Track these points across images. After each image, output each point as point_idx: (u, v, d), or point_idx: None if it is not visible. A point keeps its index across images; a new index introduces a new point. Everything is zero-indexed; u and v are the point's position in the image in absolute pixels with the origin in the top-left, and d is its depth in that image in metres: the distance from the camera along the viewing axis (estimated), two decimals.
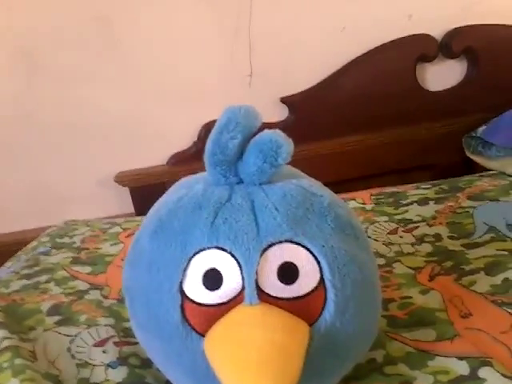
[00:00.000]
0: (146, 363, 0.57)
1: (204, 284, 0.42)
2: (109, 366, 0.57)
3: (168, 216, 0.46)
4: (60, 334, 0.64)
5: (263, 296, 0.41)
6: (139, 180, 1.22)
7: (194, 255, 0.42)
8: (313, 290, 0.42)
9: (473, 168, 1.15)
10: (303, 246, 0.42)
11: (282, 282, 0.41)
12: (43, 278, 0.82)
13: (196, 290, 0.42)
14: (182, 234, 0.43)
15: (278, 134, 0.44)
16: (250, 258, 0.41)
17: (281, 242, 0.42)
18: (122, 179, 1.23)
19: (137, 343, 0.60)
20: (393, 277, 0.69)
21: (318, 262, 0.42)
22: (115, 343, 0.61)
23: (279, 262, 0.41)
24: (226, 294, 0.41)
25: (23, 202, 1.34)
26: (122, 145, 1.26)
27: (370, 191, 1.02)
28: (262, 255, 0.41)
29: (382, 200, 0.97)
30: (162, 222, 0.46)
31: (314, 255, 0.42)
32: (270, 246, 0.42)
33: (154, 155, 1.26)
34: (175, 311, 0.42)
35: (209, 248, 0.42)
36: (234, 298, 0.41)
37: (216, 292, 0.41)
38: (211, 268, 0.42)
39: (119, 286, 0.76)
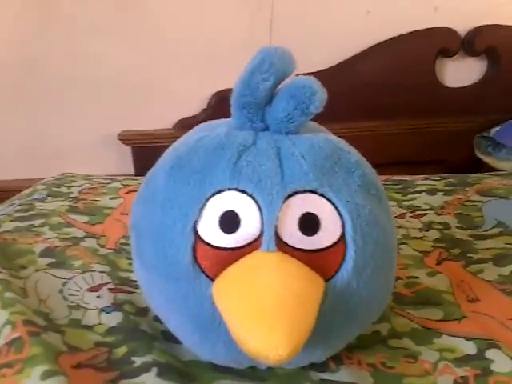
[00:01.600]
0: (142, 311, 0.55)
1: (220, 226, 0.39)
2: (102, 310, 0.55)
3: (188, 154, 0.43)
4: (52, 275, 0.62)
5: (281, 245, 0.39)
6: (143, 141, 1.19)
7: (213, 195, 0.40)
8: (332, 245, 0.40)
9: (482, 168, 1.14)
10: (327, 199, 0.40)
11: (302, 232, 0.39)
12: (37, 222, 0.79)
13: (211, 231, 0.39)
14: (201, 173, 0.41)
15: (313, 81, 0.42)
16: (272, 204, 0.39)
17: (305, 191, 0.40)
18: (125, 138, 1.20)
19: (133, 292, 0.58)
20: (399, 257, 0.67)
21: (341, 217, 0.40)
22: (110, 289, 0.59)
23: (302, 211, 0.39)
24: (243, 238, 0.39)
25: (21, 152, 1.31)
26: (129, 104, 1.24)
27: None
28: (284, 202, 0.39)
29: (390, 186, 0.95)
30: (181, 159, 0.43)
31: (337, 209, 0.40)
32: (294, 194, 0.40)
33: (161, 118, 1.24)
34: (186, 252, 0.40)
35: (229, 189, 0.40)
36: (250, 243, 0.39)
37: (232, 235, 0.39)
38: (229, 210, 0.39)
39: (117, 237, 0.74)
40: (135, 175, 1.21)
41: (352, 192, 0.42)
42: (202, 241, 0.40)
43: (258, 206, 0.39)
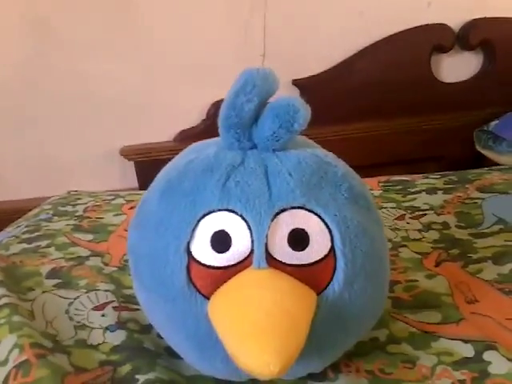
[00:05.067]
0: (146, 329, 0.56)
1: (212, 246, 0.41)
2: (107, 329, 0.56)
3: (178, 177, 0.45)
4: (59, 296, 0.64)
5: (272, 261, 0.40)
6: (145, 154, 1.21)
7: (204, 216, 0.41)
8: (322, 259, 0.41)
9: (482, 162, 1.14)
10: (315, 214, 0.41)
11: (291, 248, 0.40)
12: (43, 242, 0.81)
13: (203, 251, 0.41)
14: (191, 195, 0.42)
15: (296, 99, 0.43)
16: (261, 222, 0.40)
17: (293, 207, 0.41)
18: (127, 153, 1.22)
19: (137, 309, 0.60)
20: (399, 260, 0.68)
21: (330, 231, 0.41)
22: (114, 308, 0.60)
23: (290, 227, 0.40)
24: (234, 256, 0.40)
25: (26, 172, 1.33)
26: (130, 119, 1.25)
27: (377, 178, 1.01)
28: (273, 220, 0.40)
29: (390, 187, 0.96)
30: (172, 183, 0.45)
31: (325, 223, 0.41)
32: (282, 211, 0.41)
33: (161, 131, 1.25)
34: (181, 272, 0.41)
35: (219, 210, 0.41)
36: (242, 261, 0.40)
37: (224, 254, 0.40)
38: (220, 230, 0.41)
39: (121, 254, 0.75)
40: (139, 189, 1.23)
41: (339, 205, 0.43)
42: (196, 261, 0.41)
43: (248, 224, 0.40)
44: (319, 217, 0.41)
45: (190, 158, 0.45)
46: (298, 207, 0.41)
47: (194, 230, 0.41)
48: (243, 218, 0.40)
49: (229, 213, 0.41)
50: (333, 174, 0.44)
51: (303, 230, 0.41)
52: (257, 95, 0.43)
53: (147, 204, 0.46)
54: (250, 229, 0.40)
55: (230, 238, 0.40)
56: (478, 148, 1.17)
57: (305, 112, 0.43)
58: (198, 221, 0.41)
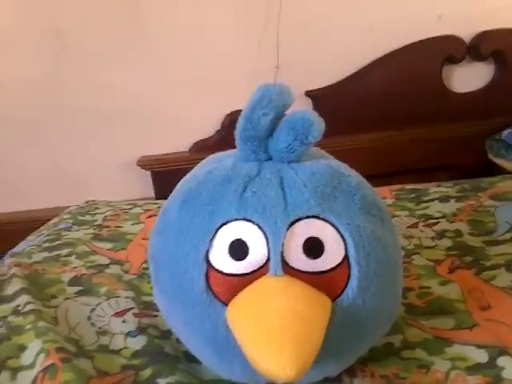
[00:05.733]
0: (165, 334, 0.58)
1: (230, 254, 0.42)
2: (128, 334, 0.58)
3: (197, 187, 0.47)
4: (80, 303, 0.66)
5: (287, 269, 0.41)
6: (162, 165, 1.24)
7: (222, 226, 0.43)
8: (337, 266, 0.42)
9: (494, 171, 1.14)
10: (330, 223, 0.43)
11: (307, 256, 0.42)
12: (64, 251, 0.83)
13: (221, 259, 0.42)
14: (210, 205, 0.44)
15: (311, 113, 0.45)
16: (277, 231, 0.42)
17: (308, 217, 0.43)
18: (144, 163, 1.25)
19: (156, 316, 0.61)
20: (412, 267, 0.69)
21: (344, 240, 0.43)
22: (135, 314, 0.62)
23: (305, 236, 0.42)
24: (251, 264, 0.42)
25: (43, 183, 1.36)
26: (146, 130, 1.28)
27: (390, 187, 1.02)
28: (288, 229, 0.42)
29: (403, 195, 0.97)
30: (191, 193, 0.47)
31: (339, 232, 0.43)
32: (297, 220, 0.42)
33: (176, 142, 1.28)
34: (200, 279, 0.43)
35: (236, 219, 0.43)
36: (259, 269, 0.42)
37: (241, 262, 0.42)
38: (237, 239, 0.42)
39: (139, 262, 0.77)
40: (155, 198, 1.26)
41: (353, 214, 0.44)
42: (214, 269, 0.43)
43: (264, 233, 0.42)
44: (333, 226, 0.43)
45: (210, 169, 0.47)
46: (313, 216, 0.43)
47: (212, 239, 0.43)
48: (260, 227, 0.42)
49: (246, 222, 0.43)
50: (346, 184, 0.46)
51: (318, 238, 0.42)
52: (273, 109, 0.45)
53: (168, 213, 0.48)
54: (266, 237, 0.42)
55: (247, 246, 0.42)
56: (491, 157, 1.17)
57: (319, 125, 0.45)
58: (217, 230, 0.43)
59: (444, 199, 0.92)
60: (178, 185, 0.51)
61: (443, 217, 0.85)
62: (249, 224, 0.43)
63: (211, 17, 1.22)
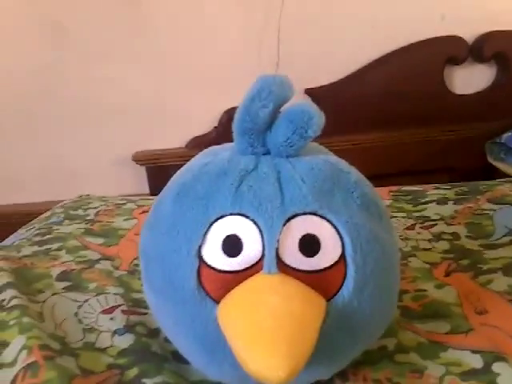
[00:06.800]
0: (153, 332, 0.56)
1: (223, 250, 0.41)
2: (115, 332, 0.56)
3: (192, 180, 0.45)
4: (68, 299, 0.64)
5: (282, 266, 0.40)
6: (157, 160, 1.22)
7: (216, 220, 0.41)
8: (333, 265, 0.41)
9: (493, 174, 1.14)
10: (327, 220, 0.41)
11: (302, 253, 0.40)
12: (54, 245, 0.82)
13: (214, 255, 0.41)
14: (205, 199, 0.43)
15: (310, 106, 0.44)
16: (273, 227, 0.40)
17: (305, 213, 0.41)
18: (139, 158, 1.23)
19: (145, 313, 0.60)
20: (408, 270, 0.68)
21: (341, 238, 0.41)
22: (123, 311, 0.60)
23: (302, 233, 0.41)
24: (245, 261, 0.40)
25: (38, 176, 1.35)
26: (142, 125, 1.27)
27: (388, 188, 1.01)
28: (284, 225, 0.40)
29: (401, 197, 0.96)
30: (186, 186, 0.45)
31: (337, 230, 0.41)
32: (294, 216, 0.41)
33: (173, 137, 1.26)
34: (191, 276, 0.41)
35: (231, 214, 0.41)
36: (253, 266, 0.40)
37: (235, 259, 0.40)
38: (232, 234, 0.41)
39: (131, 258, 0.75)
40: (150, 194, 1.24)
41: (351, 212, 0.43)
42: (207, 265, 0.41)
43: (259, 229, 0.40)
44: (331, 223, 0.41)
45: (205, 162, 0.46)
46: (310, 213, 0.41)
47: (205, 233, 0.41)
48: (255, 223, 0.41)
49: (241, 217, 0.41)
50: (345, 180, 0.44)
51: (315, 235, 0.41)
52: (272, 101, 0.43)
53: (160, 207, 0.47)
54: (261, 233, 0.40)
55: (241, 242, 0.40)
56: (490, 160, 1.16)
57: (319, 119, 0.43)
58: (211, 224, 0.41)
59: (442, 201, 0.91)
60: (172, 178, 0.50)
61: (441, 219, 0.84)
62: (244, 219, 0.41)
63: (211, 13, 1.20)
